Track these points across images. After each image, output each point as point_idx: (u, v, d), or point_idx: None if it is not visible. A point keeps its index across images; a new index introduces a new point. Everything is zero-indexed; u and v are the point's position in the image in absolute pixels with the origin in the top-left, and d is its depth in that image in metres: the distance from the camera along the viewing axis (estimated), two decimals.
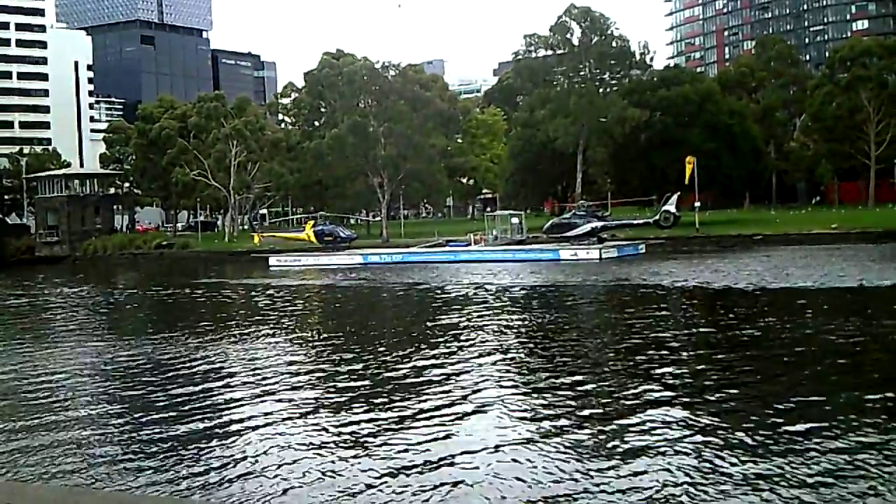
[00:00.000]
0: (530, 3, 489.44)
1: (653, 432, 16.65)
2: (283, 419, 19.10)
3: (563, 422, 17.68)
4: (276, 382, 23.21)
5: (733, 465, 14.62)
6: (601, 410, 18.90)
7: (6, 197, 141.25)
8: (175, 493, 14.46)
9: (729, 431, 16.55)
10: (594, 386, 21.41)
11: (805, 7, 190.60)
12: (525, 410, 19.06)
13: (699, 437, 16.27)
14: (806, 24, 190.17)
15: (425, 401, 20.12)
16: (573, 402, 19.56)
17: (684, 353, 25.77)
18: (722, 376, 21.89)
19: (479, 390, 20.95)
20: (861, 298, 37.29)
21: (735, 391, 20.04)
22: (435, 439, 16.69)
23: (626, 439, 16.15)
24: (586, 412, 18.70)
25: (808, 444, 15.54)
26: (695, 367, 23.56)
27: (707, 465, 14.70)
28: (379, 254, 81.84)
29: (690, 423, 17.35)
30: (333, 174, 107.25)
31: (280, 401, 20.94)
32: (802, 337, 27.60)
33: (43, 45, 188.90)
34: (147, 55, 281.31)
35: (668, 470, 14.44)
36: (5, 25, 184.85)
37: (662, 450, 15.54)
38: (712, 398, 19.42)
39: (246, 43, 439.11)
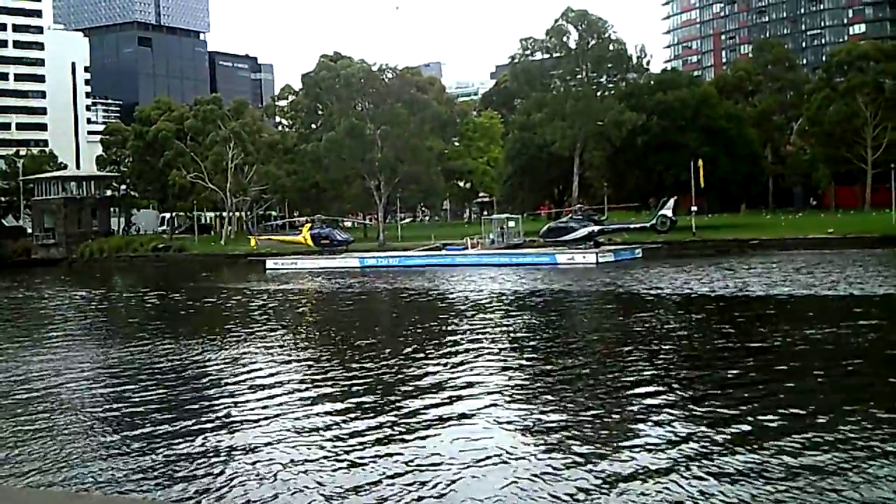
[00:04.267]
0: (527, 6, 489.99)
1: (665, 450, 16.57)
2: (283, 425, 19.00)
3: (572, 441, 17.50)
4: (275, 389, 23.09)
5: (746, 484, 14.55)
6: (610, 427, 18.78)
7: (3, 199, 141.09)
8: (171, 498, 14.42)
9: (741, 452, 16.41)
10: (600, 396, 21.35)
11: (802, 11, 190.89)
12: (527, 422, 18.96)
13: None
14: (803, 28, 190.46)
15: (425, 409, 19.98)
16: (581, 417, 19.47)
17: (693, 365, 25.70)
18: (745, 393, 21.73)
19: (483, 403, 20.59)
20: (851, 306, 37.21)
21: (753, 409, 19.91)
22: (435, 451, 16.57)
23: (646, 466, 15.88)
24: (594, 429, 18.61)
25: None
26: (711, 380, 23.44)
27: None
28: (376, 257, 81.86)
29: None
30: (330, 177, 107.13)
31: (280, 408, 20.83)
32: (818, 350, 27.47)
33: (40, 46, 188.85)
34: (144, 57, 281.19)
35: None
36: (2, 27, 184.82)
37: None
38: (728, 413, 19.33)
39: (243, 45, 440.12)
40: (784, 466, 14.83)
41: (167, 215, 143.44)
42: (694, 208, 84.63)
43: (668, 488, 14.08)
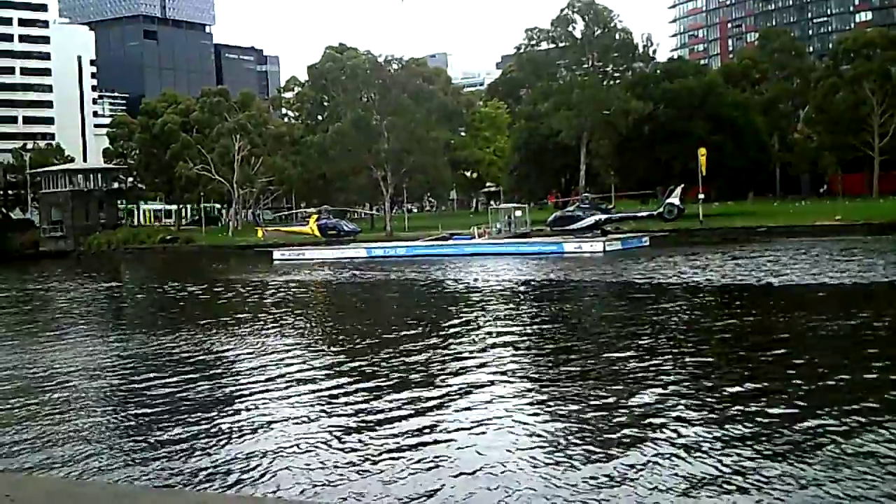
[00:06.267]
0: None
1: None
2: (292, 413, 19.07)
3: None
4: (284, 377, 23.15)
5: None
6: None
7: (10, 192, 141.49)
8: (176, 485, 14.47)
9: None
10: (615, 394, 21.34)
11: None
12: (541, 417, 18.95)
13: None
14: (809, 15, 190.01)
15: (445, 400, 19.85)
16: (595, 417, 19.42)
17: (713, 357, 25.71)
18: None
19: (496, 397, 20.19)
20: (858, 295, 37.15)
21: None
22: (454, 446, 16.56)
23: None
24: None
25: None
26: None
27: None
28: (383, 247, 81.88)
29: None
30: (337, 168, 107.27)
31: (288, 395, 20.93)
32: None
33: (46, 40, 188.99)
34: (150, 50, 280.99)
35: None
36: (8, 21, 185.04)
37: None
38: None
39: (249, 37, 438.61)
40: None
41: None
42: (701, 196, 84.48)
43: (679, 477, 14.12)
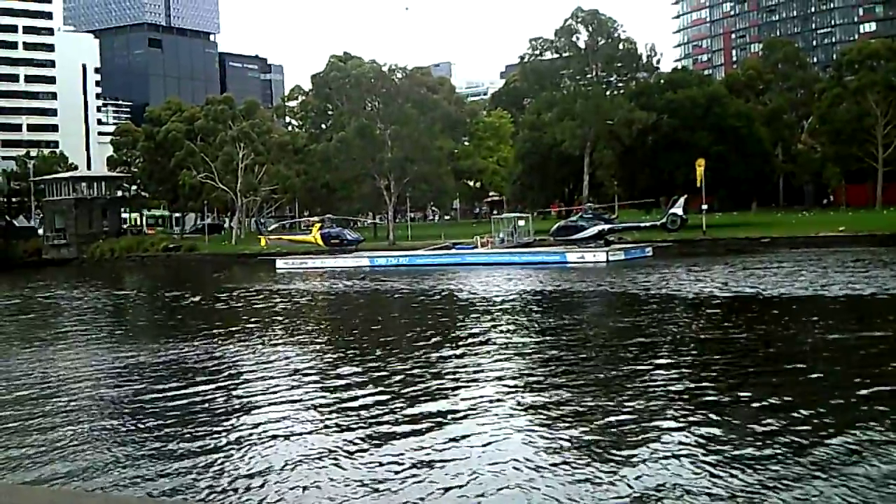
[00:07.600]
0: (537, 6, 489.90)
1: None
2: (292, 428, 18.99)
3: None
4: (286, 390, 23.11)
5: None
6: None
7: (14, 199, 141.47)
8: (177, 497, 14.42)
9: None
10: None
11: (812, 9, 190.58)
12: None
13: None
14: (813, 26, 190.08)
15: (455, 414, 19.85)
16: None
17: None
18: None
19: (501, 415, 20.03)
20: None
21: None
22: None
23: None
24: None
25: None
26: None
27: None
28: (386, 257, 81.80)
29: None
30: (340, 177, 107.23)
31: (291, 410, 20.84)
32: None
33: (50, 47, 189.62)
34: (154, 58, 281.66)
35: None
36: (13, 28, 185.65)
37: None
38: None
39: (253, 46, 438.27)
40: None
41: (192, 215, 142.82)
42: (704, 207, 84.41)
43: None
